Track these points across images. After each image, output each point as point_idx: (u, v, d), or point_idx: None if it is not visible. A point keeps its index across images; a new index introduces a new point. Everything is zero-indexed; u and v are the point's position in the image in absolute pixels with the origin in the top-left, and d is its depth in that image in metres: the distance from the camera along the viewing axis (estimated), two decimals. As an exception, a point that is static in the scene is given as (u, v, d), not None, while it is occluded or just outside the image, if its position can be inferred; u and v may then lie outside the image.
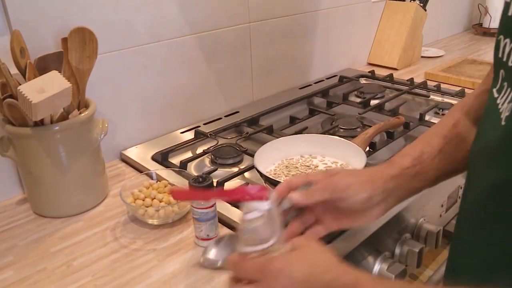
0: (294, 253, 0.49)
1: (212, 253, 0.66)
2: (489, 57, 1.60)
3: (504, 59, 0.48)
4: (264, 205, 0.53)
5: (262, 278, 0.47)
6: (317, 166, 0.81)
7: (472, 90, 1.30)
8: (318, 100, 1.28)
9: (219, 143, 0.99)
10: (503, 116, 0.47)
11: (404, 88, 1.32)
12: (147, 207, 0.74)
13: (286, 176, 0.78)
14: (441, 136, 0.62)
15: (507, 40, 0.48)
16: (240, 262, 0.49)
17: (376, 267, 0.72)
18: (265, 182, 0.75)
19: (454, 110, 0.66)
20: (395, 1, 1.60)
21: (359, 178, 0.57)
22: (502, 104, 0.48)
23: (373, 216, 0.57)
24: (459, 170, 0.62)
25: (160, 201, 0.76)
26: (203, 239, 0.69)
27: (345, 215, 0.57)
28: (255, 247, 0.57)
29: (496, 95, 0.50)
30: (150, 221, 0.75)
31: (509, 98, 0.47)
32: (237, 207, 0.77)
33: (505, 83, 0.48)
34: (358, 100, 1.25)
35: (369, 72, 1.47)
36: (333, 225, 0.58)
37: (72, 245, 0.72)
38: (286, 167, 0.81)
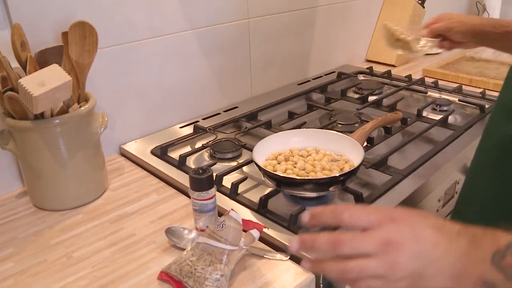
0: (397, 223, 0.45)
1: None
2: (487, 54, 1.61)
3: None
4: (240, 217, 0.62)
5: (383, 248, 0.43)
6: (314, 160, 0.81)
7: (470, 87, 1.32)
8: (317, 96, 1.28)
9: (218, 138, 0.99)
10: None
11: (402, 84, 1.33)
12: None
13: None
14: None
15: None
16: (351, 238, 0.45)
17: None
18: (263, 176, 0.76)
19: None
20: (393, -2, 1.61)
21: None
22: None
23: None
24: None
25: None
26: (202, 231, 0.69)
27: None
28: (216, 242, 0.60)
29: None
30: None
31: None
32: (236, 200, 0.78)
33: None
34: (356, 96, 1.26)
35: (367, 68, 1.48)
36: None
37: (72, 237, 0.72)
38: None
